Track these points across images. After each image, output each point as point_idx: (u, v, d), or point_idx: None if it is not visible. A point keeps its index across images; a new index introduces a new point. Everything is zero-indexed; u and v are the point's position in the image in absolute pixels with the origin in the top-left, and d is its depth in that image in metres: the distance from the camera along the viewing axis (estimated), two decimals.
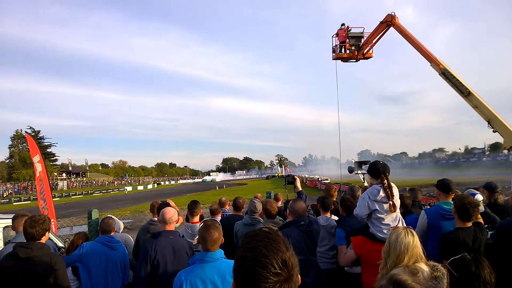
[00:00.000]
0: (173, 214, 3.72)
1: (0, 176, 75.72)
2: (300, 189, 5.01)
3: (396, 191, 3.46)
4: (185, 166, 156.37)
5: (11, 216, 4.56)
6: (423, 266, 1.96)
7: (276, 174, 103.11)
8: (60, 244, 6.14)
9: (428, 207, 4.76)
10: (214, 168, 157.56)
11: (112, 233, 4.26)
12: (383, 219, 3.37)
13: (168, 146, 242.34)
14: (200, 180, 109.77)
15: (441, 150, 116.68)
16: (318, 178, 53.78)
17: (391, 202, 3.37)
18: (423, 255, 2.22)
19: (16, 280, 3.08)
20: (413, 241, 2.22)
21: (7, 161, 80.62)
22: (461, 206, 3.30)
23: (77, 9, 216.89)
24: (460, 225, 3.34)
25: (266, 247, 1.12)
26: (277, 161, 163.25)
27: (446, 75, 13.67)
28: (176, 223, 3.83)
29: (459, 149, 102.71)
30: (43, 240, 3.34)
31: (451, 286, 1.89)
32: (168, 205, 4.65)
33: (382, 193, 3.37)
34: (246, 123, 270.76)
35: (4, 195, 51.93)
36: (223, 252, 2.79)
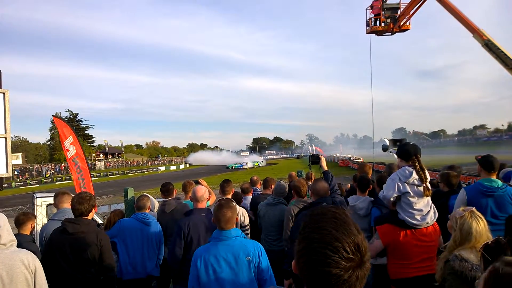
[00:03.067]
0: (204, 192, 3.79)
1: (43, 157, 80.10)
2: (326, 168, 4.68)
3: (427, 174, 3.26)
4: (216, 147, 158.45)
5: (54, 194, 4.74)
6: None
7: (302, 154, 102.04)
8: (100, 221, 6.40)
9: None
10: (245, 148, 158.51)
11: (147, 211, 4.39)
12: (414, 203, 3.15)
13: (199, 127, 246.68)
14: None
15: (482, 127, 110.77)
16: (350, 157, 52.89)
17: (425, 185, 3.16)
18: (490, 235, 2.21)
19: (65, 254, 3.27)
20: (484, 224, 2.26)
21: (49, 142, 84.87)
22: None
23: None
24: None
25: (336, 228, 0.99)
26: (308, 140, 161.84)
27: (489, 46, 12.81)
28: (208, 200, 3.88)
29: (502, 125, 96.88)
30: (90, 216, 3.50)
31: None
32: (197, 184, 4.70)
33: (415, 175, 3.17)
34: (276, 102, 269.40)
35: (47, 175, 54.71)
36: (239, 231, 2.82)
